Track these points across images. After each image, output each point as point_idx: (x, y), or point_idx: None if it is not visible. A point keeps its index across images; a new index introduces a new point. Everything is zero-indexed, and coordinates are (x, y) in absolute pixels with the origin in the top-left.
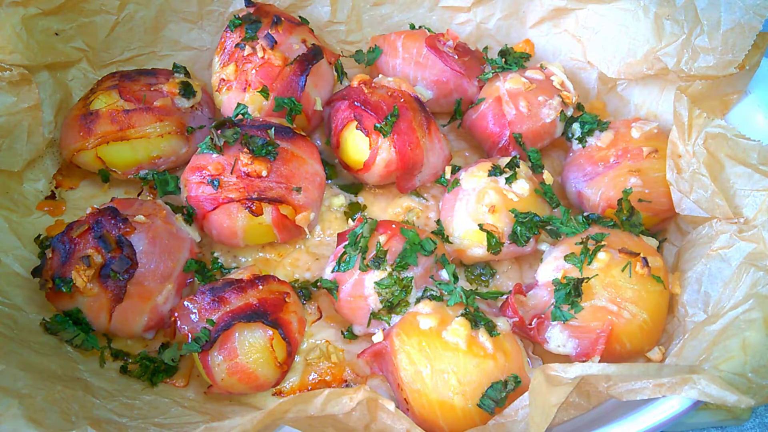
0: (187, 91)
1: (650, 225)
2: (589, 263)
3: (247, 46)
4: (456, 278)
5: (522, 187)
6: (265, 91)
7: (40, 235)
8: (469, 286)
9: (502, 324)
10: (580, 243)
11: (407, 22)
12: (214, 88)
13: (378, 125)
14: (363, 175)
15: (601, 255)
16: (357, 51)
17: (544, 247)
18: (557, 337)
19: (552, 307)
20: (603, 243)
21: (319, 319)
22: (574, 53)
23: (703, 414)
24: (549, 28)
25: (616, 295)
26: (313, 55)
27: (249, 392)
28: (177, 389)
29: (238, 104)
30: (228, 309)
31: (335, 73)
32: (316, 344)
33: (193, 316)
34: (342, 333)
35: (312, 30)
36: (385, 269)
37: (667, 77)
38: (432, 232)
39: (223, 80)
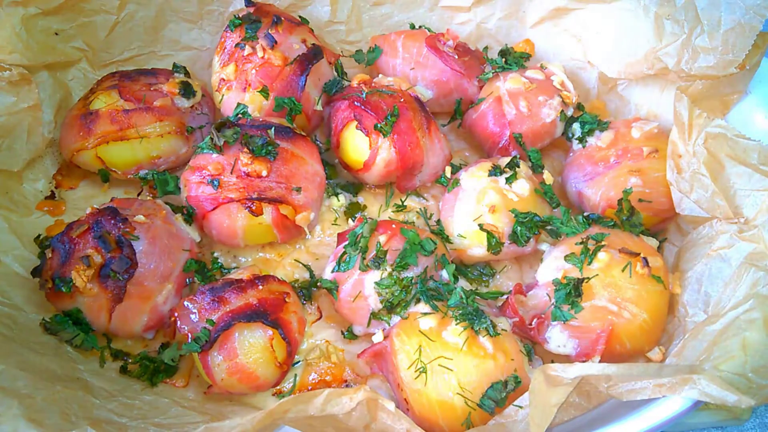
0: (187, 91)
1: (650, 225)
2: (590, 263)
3: (247, 46)
4: (456, 278)
5: (522, 187)
6: (265, 91)
7: (39, 235)
8: (469, 286)
9: (502, 324)
10: (580, 243)
11: (407, 22)
12: (214, 88)
13: (378, 125)
14: (363, 175)
15: (602, 255)
16: (357, 51)
17: (544, 247)
18: (557, 337)
19: (552, 307)
20: (603, 243)
21: (319, 319)
22: (574, 53)
23: (703, 414)
24: (549, 27)
25: (617, 295)
26: (313, 55)
27: (249, 392)
28: (177, 389)
29: (238, 104)
30: (228, 309)
31: (335, 73)
32: (316, 344)
33: (193, 316)
34: (342, 333)
35: (312, 30)
36: (385, 269)
37: (668, 77)
38: (432, 232)
39: (223, 80)
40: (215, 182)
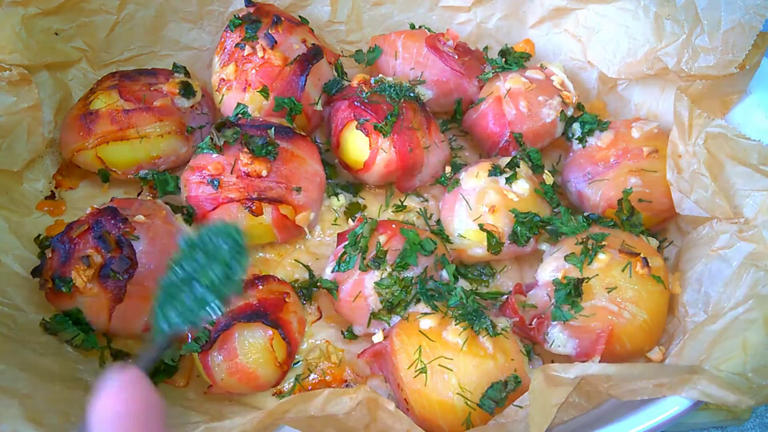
0: (187, 91)
1: (650, 225)
2: (590, 263)
3: (247, 46)
4: (456, 278)
5: (522, 187)
6: (265, 91)
7: (39, 235)
8: (469, 286)
9: (502, 324)
10: (581, 243)
11: (407, 22)
12: (214, 88)
13: (378, 125)
14: (363, 175)
15: (602, 255)
16: (357, 51)
17: (544, 247)
18: (557, 337)
19: (552, 307)
20: (603, 243)
21: (319, 319)
22: (575, 53)
23: (703, 414)
24: (549, 28)
25: (617, 295)
26: (313, 55)
27: (249, 392)
28: (177, 389)
29: (238, 104)
30: (228, 309)
31: (335, 73)
32: (316, 344)
33: None
34: (342, 333)
35: (312, 30)
36: (385, 269)
37: (668, 77)
38: (432, 232)
39: (223, 80)
40: (215, 182)
